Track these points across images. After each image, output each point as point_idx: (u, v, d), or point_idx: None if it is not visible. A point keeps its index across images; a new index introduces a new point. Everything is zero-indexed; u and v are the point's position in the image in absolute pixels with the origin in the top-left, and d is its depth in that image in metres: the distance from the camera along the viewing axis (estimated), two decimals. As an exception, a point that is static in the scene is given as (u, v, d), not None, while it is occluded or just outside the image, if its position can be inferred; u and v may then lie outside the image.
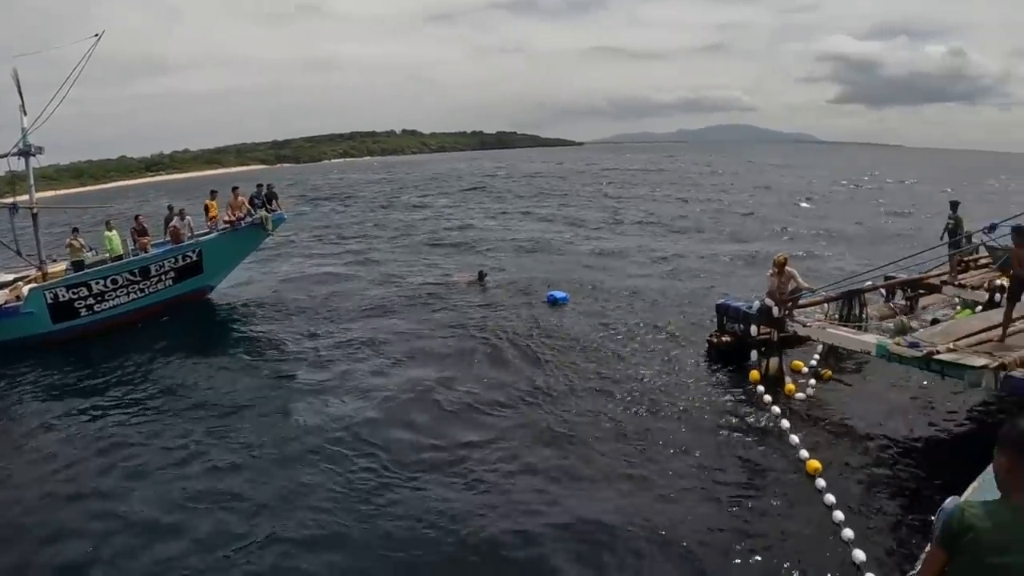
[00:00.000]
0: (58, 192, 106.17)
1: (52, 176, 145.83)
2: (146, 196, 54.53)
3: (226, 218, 22.41)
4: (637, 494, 9.58)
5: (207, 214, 22.74)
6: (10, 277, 20.97)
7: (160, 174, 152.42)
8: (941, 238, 16.91)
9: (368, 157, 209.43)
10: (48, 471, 11.59)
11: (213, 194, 23.14)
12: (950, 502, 3.21)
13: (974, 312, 14.87)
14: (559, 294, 19.48)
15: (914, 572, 3.53)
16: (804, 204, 50.04)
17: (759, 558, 8.14)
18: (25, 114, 20.03)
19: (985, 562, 2.85)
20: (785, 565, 7.96)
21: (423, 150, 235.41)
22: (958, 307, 15.83)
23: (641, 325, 18.01)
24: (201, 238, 22.18)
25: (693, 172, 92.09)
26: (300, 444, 11.88)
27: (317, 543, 8.88)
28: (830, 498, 9.18)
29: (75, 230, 21.38)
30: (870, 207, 48.76)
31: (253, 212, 22.40)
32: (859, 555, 7.99)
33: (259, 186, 23.48)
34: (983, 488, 5.55)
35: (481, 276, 23.36)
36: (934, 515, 3.21)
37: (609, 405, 12.70)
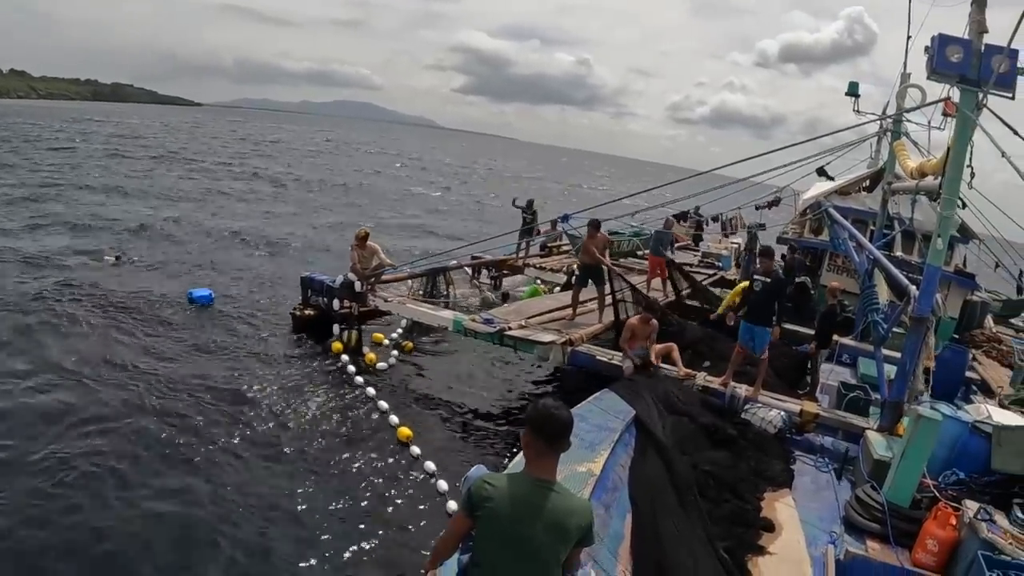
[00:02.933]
0: None
1: None
2: None
3: None
4: (230, 481, 8.47)
5: None
6: None
7: None
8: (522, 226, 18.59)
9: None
10: None
11: None
12: (475, 471, 3.64)
13: (542, 292, 16.52)
14: (201, 292, 15.67)
15: (441, 535, 3.55)
16: (424, 190, 52.41)
17: (364, 522, 7.91)
18: None
19: (501, 531, 3.04)
20: (390, 522, 7.95)
21: (31, 95, 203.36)
22: (526, 288, 17.31)
23: (245, 303, 16.27)
24: None
25: (322, 146, 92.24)
26: None
27: None
28: (429, 465, 9.19)
29: None
30: (483, 191, 51.24)
31: None
32: (452, 505, 8.15)
33: None
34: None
35: (118, 258, 18.75)
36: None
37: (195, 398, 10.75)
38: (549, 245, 19.73)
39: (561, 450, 3.11)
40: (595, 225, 12.75)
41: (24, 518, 7.07)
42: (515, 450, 9.52)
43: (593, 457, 6.73)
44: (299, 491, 8.32)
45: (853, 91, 16.10)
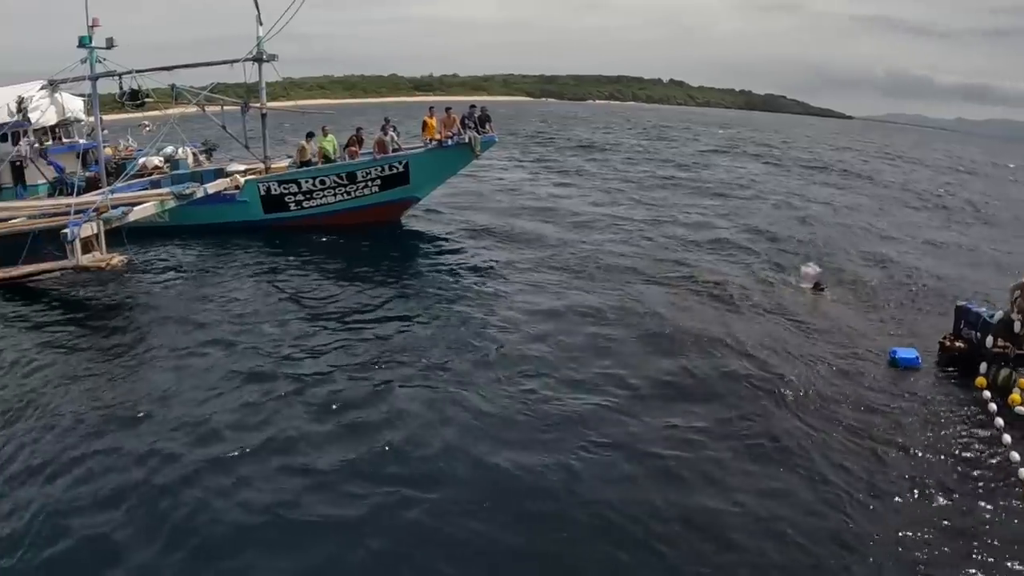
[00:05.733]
0: (329, 100, 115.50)
1: (324, 86, 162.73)
2: (411, 113, 55.81)
3: (437, 137, 22.55)
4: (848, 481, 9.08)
5: (424, 130, 23.11)
6: (241, 167, 23.78)
7: (428, 95, 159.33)
8: None
9: (632, 102, 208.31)
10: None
11: (431, 111, 23.39)
12: None
13: None
14: (906, 353, 13.41)
15: None
16: None
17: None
18: (261, 24, 22.23)
19: None
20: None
21: (689, 102, 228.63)
22: None
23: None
24: (410, 151, 22.94)
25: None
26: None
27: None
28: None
29: (310, 135, 23.09)
30: None
31: (463, 132, 22.22)
32: None
33: (472, 107, 23.26)
34: None
35: (817, 286, 17.60)
36: None
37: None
38: None
39: None
40: None
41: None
42: None
43: None
44: (880, 523, 8.26)
45: None
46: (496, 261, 19.11)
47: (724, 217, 26.67)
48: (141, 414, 10.31)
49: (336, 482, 8.60)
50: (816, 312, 16.14)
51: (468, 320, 14.40)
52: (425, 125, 22.97)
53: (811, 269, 18.32)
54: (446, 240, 22.05)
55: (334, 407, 10.44)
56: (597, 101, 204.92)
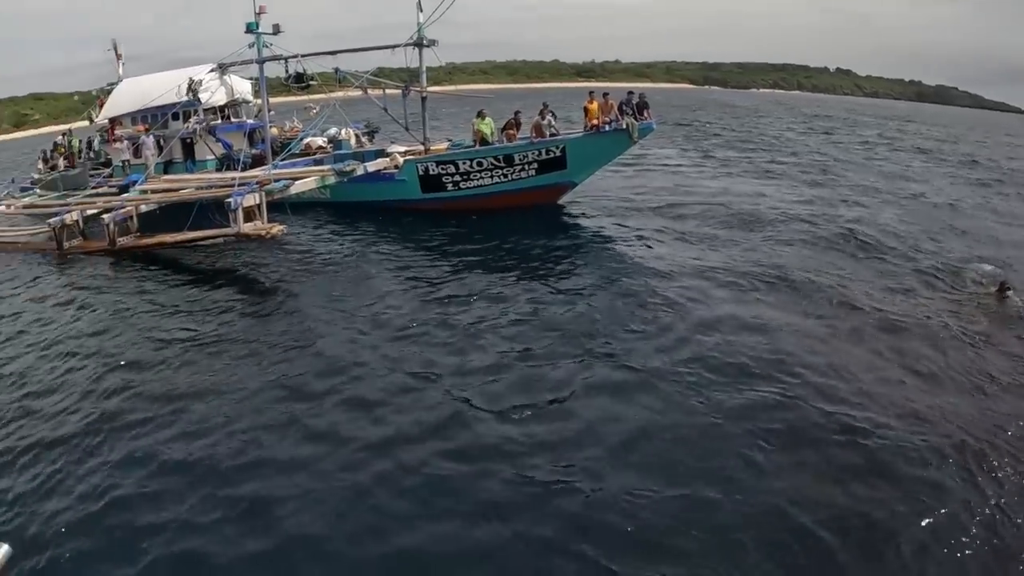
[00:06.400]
0: (491, 85, 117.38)
1: (487, 71, 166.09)
2: (571, 99, 54.23)
3: (595, 122, 22.07)
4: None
5: (586, 116, 22.57)
6: (401, 149, 24.05)
7: (590, 80, 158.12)
8: None
9: (797, 91, 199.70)
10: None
11: (591, 95, 22.74)
12: None
13: None
14: None
15: None
16: None
17: None
18: (421, 10, 22.35)
19: None
20: None
21: (856, 92, 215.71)
22: None
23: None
24: (567, 136, 22.64)
25: None
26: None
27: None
28: None
29: (479, 114, 23.48)
30: None
31: (620, 118, 21.64)
32: None
33: (629, 93, 22.49)
34: None
35: (1003, 288, 15.35)
36: None
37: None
38: None
39: None
40: None
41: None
42: None
43: None
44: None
45: None
46: (655, 253, 18.13)
47: (891, 216, 24.08)
48: (292, 410, 10.17)
49: (504, 495, 8.14)
50: (998, 320, 14.14)
51: (632, 320, 13.41)
52: (587, 111, 22.40)
53: (991, 268, 16.74)
54: (604, 228, 21.31)
55: (497, 409, 9.96)
56: (761, 90, 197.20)
